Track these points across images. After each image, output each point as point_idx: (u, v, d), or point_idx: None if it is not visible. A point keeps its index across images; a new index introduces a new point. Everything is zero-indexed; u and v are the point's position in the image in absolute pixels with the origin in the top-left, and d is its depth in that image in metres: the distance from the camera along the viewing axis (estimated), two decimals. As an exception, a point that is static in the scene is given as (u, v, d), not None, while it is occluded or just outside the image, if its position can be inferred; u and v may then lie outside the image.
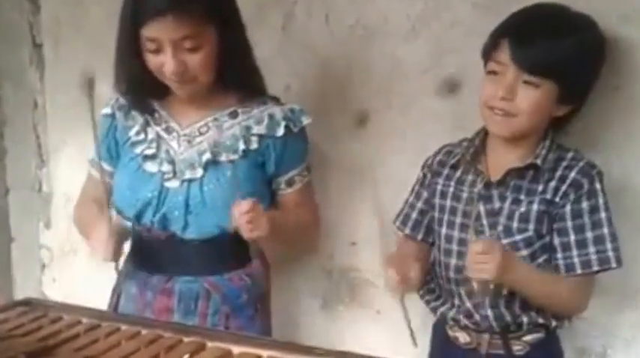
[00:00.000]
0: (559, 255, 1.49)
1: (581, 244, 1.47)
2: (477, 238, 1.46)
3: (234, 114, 1.66)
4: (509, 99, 1.45)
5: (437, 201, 1.63)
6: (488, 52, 1.52)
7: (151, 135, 1.66)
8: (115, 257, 1.60)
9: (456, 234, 1.58)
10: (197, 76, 1.56)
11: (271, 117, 1.65)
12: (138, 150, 1.66)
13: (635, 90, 1.60)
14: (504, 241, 1.50)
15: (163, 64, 1.53)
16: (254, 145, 1.64)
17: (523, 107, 1.45)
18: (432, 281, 1.67)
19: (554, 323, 1.55)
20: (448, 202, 1.60)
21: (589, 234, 1.46)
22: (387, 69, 1.88)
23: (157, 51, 1.52)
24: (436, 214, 1.63)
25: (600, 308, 1.57)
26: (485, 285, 1.43)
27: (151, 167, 1.64)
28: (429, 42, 1.81)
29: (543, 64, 1.42)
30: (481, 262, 1.39)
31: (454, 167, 1.62)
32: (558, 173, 1.50)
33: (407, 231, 1.70)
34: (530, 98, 1.44)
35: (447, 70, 1.79)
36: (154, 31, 1.49)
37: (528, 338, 1.54)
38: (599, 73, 1.53)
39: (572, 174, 1.48)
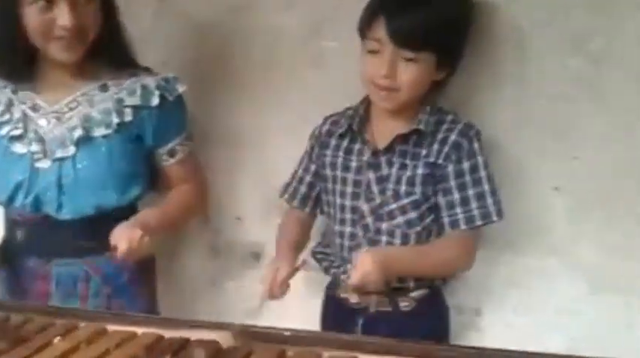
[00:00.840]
0: (444, 213, 1.54)
1: (464, 201, 1.52)
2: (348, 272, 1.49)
3: (104, 88, 1.61)
4: (392, 77, 1.48)
5: (327, 172, 1.64)
6: (364, 29, 1.53)
7: (17, 115, 1.59)
8: None
9: (348, 203, 1.60)
10: (88, 33, 1.51)
11: (144, 87, 1.61)
12: (3, 131, 1.59)
13: (500, 53, 1.65)
14: (394, 205, 1.55)
15: (55, 19, 1.46)
16: (128, 118, 1.59)
17: (405, 81, 1.48)
18: (328, 247, 1.69)
19: (438, 281, 1.62)
20: (338, 173, 1.62)
21: (470, 192, 1.52)
22: (267, 40, 1.85)
23: (48, 7, 1.45)
24: (329, 185, 1.64)
25: (474, 265, 1.61)
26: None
27: (19, 148, 1.58)
28: (304, 12, 1.80)
29: (421, 39, 1.45)
30: (364, 284, 1.43)
31: (341, 136, 1.63)
32: (440, 136, 1.54)
33: (295, 203, 1.72)
34: (411, 72, 1.48)
35: (323, 40, 1.79)
36: None
37: (414, 294, 1.59)
38: (469, 34, 1.58)
39: (453, 137, 1.53)
